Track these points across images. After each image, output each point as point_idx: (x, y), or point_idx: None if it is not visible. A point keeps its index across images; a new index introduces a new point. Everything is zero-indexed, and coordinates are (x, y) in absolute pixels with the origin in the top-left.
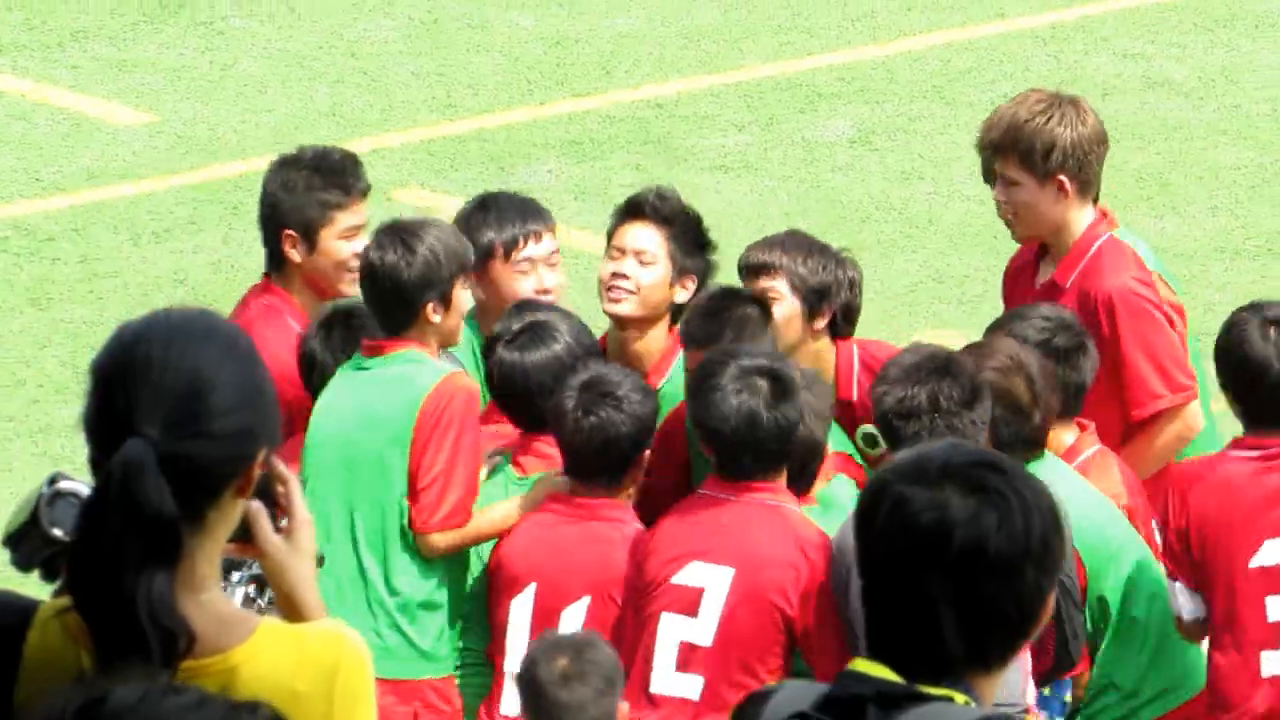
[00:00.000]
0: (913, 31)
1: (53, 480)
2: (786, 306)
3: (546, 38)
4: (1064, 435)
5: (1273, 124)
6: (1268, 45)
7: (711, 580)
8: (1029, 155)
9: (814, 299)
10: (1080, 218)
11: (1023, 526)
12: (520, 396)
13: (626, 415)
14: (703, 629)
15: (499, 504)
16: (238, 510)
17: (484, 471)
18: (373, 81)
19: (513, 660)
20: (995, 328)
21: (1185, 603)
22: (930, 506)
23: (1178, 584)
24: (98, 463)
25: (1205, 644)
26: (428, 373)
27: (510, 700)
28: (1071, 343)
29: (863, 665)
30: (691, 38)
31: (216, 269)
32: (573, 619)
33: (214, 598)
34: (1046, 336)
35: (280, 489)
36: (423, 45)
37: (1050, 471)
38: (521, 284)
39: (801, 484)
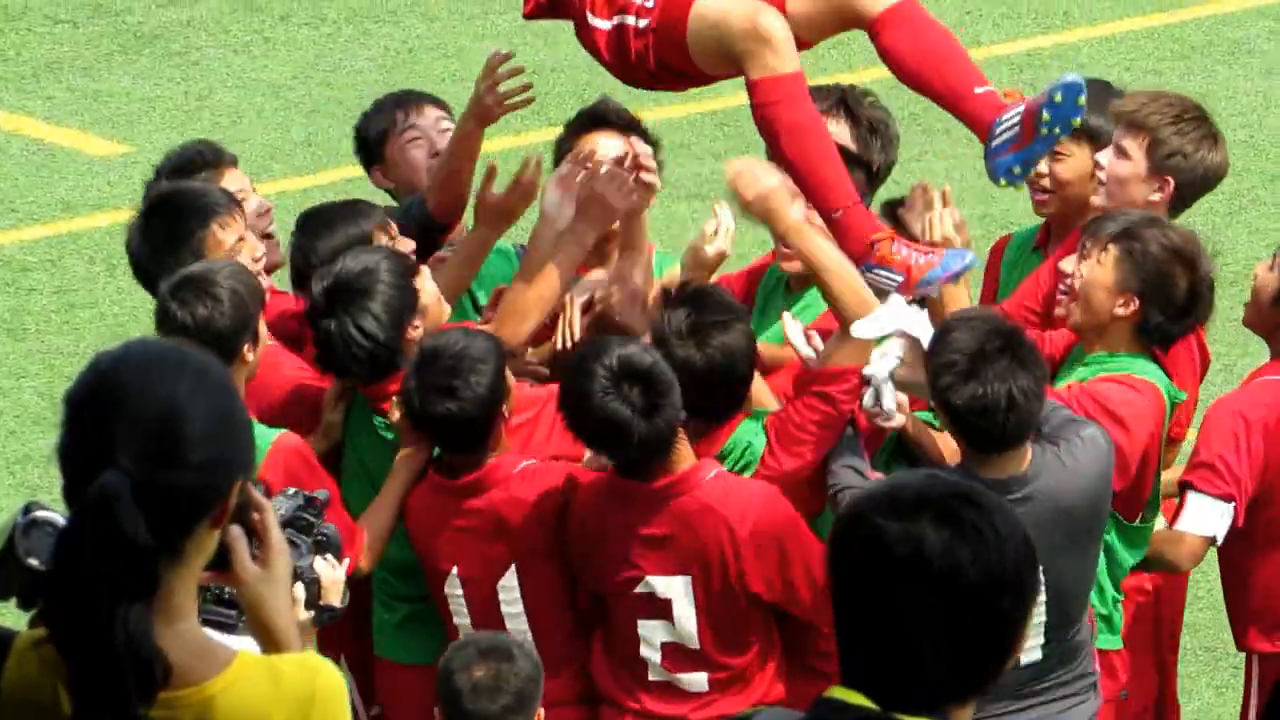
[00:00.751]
0: None
1: (28, 509)
2: None
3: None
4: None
5: (1248, 150)
6: (1243, 72)
7: (674, 590)
8: (1158, 145)
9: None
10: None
11: (997, 558)
12: (345, 364)
13: (466, 400)
14: (686, 633)
15: (378, 501)
16: (213, 540)
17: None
18: (348, 112)
19: (459, 621)
20: (1121, 225)
21: (1226, 526)
22: (905, 540)
23: (1232, 505)
24: (73, 493)
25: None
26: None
27: None
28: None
29: (840, 693)
30: None
31: None
32: (509, 589)
33: (191, 628)
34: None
35: (256, 517)
36: (398, 75)
37: (1162, 377)
38: (414, 152)
39: (727, 415)
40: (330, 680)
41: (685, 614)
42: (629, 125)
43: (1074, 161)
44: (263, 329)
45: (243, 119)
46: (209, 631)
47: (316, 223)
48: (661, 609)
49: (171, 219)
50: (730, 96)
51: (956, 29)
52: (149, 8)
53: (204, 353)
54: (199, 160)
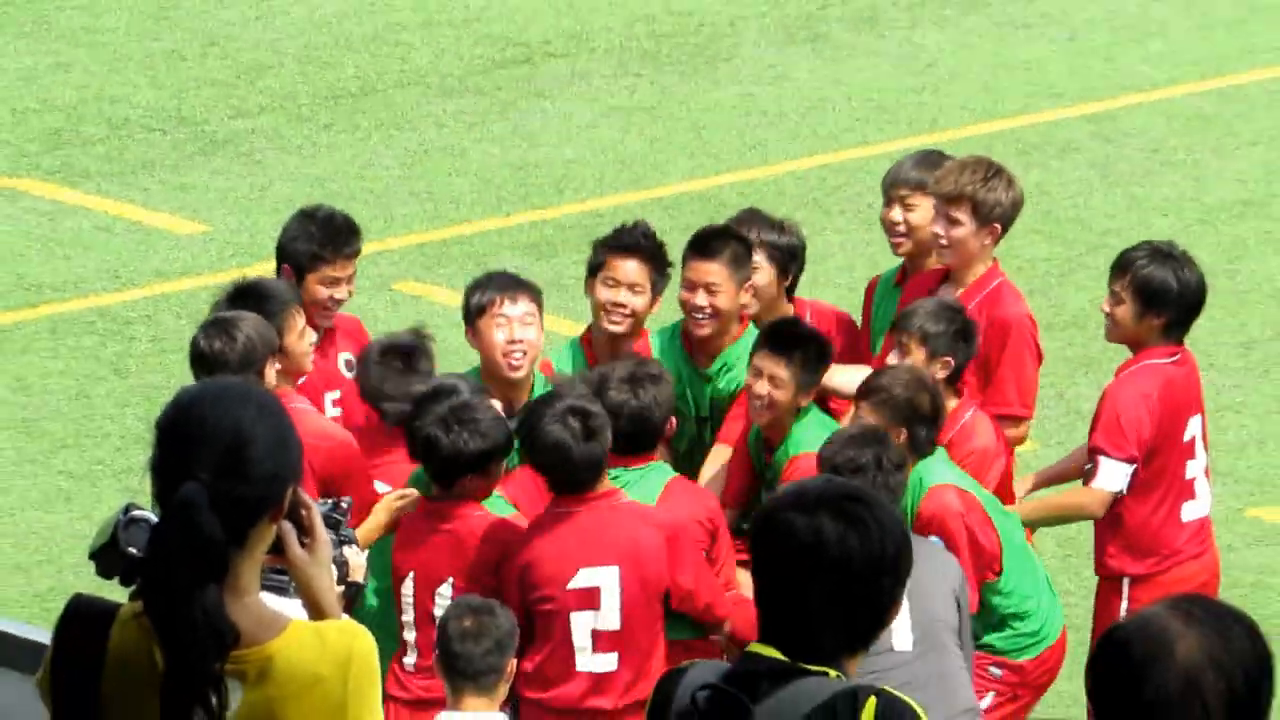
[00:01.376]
0: (796, 156)
1: (127, 509)
2: (764, 274)
3: (512, 164)
4: (950, 401)
5: (1075, 225)
6: (1070, 165)
7: (603, 579)
8: (980, 206)
9: (787, 261)
10: (988, 258)
11: (879, 546)
12: (448, 470)
13: (475, 434)
14: (608, 617)
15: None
16: (272, 533)
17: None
18: (377, 199)
19: (407, 630)
20: (900, 321)
21: (1127, 482)
22: (808, 531)
23: (1134, 466)
24: (163, 498)
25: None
26: None
27: (410, 658)
28: (964, 326)
29: (757, 648)
30: (625, 163)
31: None
32: (443, 595)
33: (255, 600)
34: (946, 323)
35: (304, 513)
36: (416, 171)
37: (943, 465)
38: (497, 334)
39: (641, 449)
40: (364, 642)
41: (611, 600)
42: (652, 253)
43: (921, 210)
44: (270, 375)
45: (295, 204)
46: (267, 596)
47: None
48: (591, 599)
49: (260, 299)
50: (671, 185)
51: (849, 132)
52: (222, 119)
53: (264, 388)
54: (334, 227)
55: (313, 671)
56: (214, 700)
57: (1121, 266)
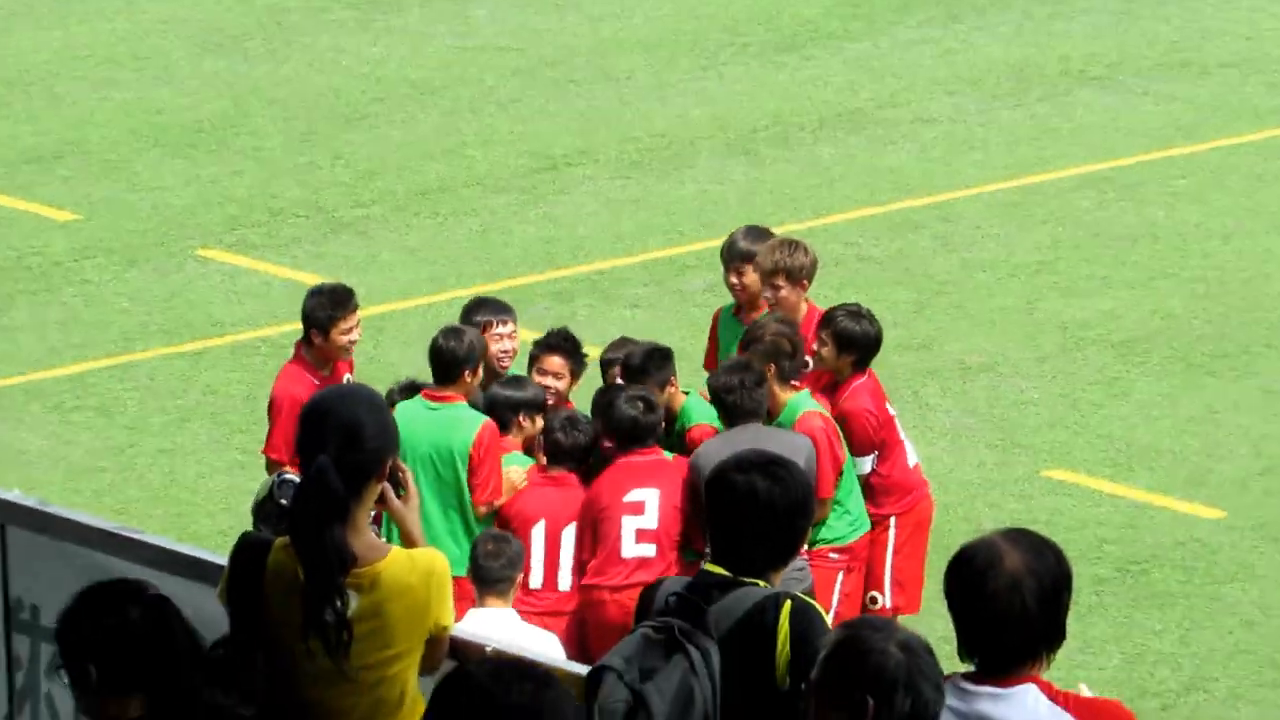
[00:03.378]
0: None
1: (281, 474)
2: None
3: (543, 238)
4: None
5: (925, 279)
6: (922, 238)
7: (648, 496)
8: (793, 272)
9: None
10: (803, 302)
11: (795, 495)
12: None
13: (585, 435)
14: (649, 520)
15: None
16: (378, 489)
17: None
18: (452, 263)
19: (535, 557)
20: (750, 333)
21: (871, 467)
22: (745, 485)
23: (874, 454)
24: (304, 466)
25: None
26: (471, 418)
27: (535, 577)
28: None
29: (710, 566)
30: (619, 237)
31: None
32: (569, 536)
33: (366, 534)
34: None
35: (401, 475)
36: (478, 243)
37: (810, 400)
38: (493, 346)
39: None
40: (441, 562)
41: (652, 509)
42: (571, 352)
43: (749, 275)
44: (482, 368)
45: (394, 269)
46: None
47: None
48: (638, 508)
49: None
50: (649, 253)
51: (771, 216)
52: (346, 208)
53: (373, 389)
54: (337, 295)
55: (406, 582)
56: (339, 603)
57: (827, 320)
